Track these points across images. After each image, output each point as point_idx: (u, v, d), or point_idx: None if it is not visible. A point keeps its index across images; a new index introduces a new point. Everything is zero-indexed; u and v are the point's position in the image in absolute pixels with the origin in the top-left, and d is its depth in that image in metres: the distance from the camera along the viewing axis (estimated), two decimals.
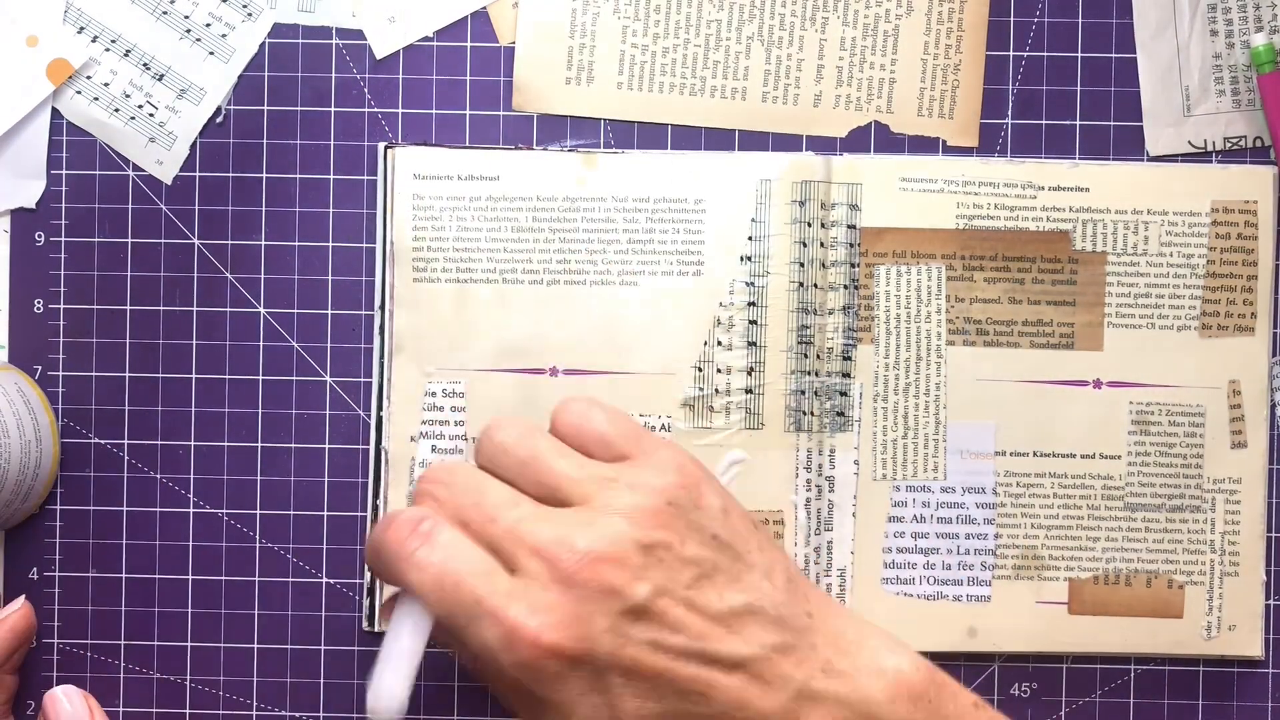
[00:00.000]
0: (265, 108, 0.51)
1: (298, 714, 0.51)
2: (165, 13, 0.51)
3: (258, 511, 0.51)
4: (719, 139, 0.51)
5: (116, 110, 0.51)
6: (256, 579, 0.51)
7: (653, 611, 0.36)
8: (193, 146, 0.51)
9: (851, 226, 0.49)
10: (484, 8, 0.51)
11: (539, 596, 0.36)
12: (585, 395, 0.42)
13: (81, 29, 0.50)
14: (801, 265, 0.49)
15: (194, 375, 0.51)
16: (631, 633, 0.36)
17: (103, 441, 0.51)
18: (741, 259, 0.49)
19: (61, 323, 0.51)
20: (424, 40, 0.51)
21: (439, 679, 0.51)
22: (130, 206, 0.51)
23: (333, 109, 0.51)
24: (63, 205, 0.51)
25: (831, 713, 0.37)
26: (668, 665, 0.36)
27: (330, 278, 0.51)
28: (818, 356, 0.49)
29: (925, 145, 0.51)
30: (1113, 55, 0.51)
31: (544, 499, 0.38)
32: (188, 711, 0.51)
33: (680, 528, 0.37)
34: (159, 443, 0.51)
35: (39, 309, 0.51)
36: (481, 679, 0.39)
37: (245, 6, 0.51)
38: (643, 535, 0.37)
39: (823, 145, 0.51)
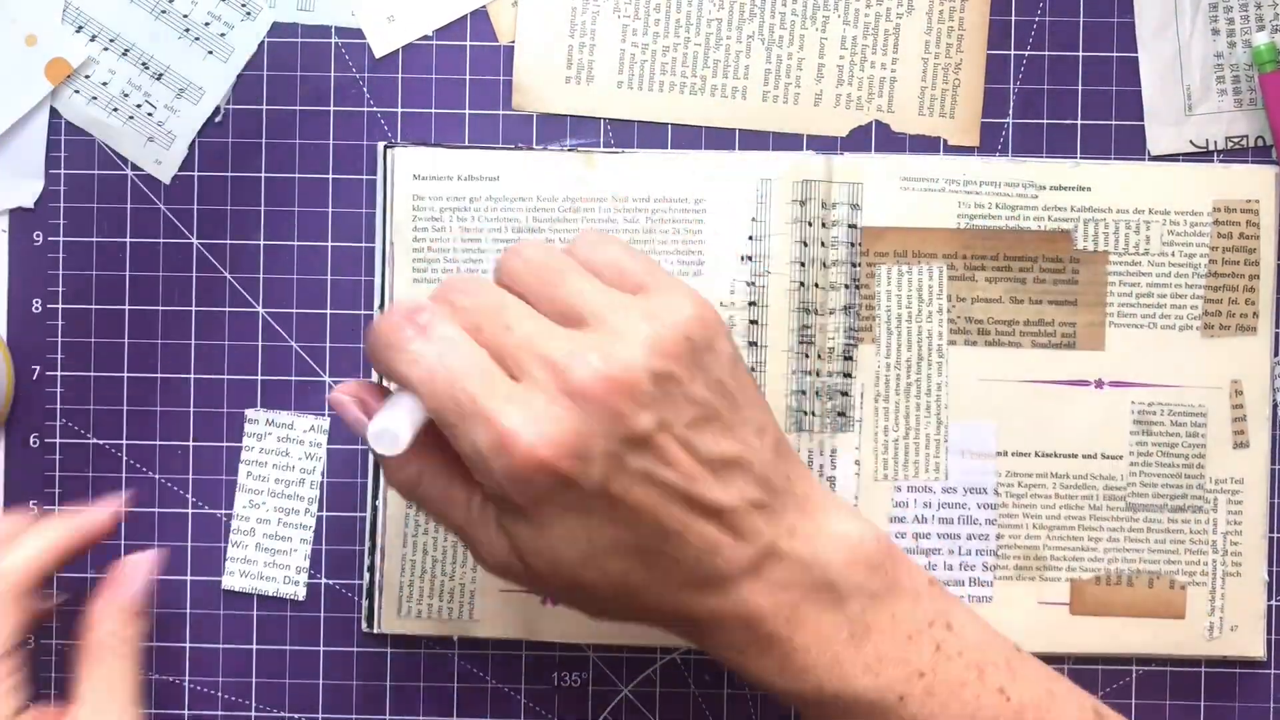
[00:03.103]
0: (264, 107, 0.51)
1: (297, 715, 0.51)
2: (164, 12, 0.50)
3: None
4: (719, 138, 0.51)
5: (115, 110, 0.51)
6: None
7: (652, 444, 0.36)
8: (191, 146, 0.51)
9: (852, 226, 0.49)
10: (484, 7, 0.51)
11: (541, 407, 0.35)
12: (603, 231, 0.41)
13: (80, 28, 0.50)
14: (802, 265, 0.49)
15: (193, 375, 0.51)
16: (627, 462, 0.35)
17: (102, 442, 0.51)
18: (742, 259, 0.49)
19: (60, 323, 0.51)
20: (423, 39, 0.51)
21: (439, 679, 0.51)
22: (129, 206, 0.51)
23: (332, 108, 0.51)
24: (61, 205, 0.51)
25: (791, 572, 0.37)
26: (654, 502, 0.36)
27: (330, 278, 0.51)
28: (819, 356, 0.49)
29: (926, 145, 0.51)
30: (1114, 54, 0.51)
31: (560, 321, 0.37)
32: (186, 712, 0.51)
33: (691, 365, 0.37)
34: (158, 443, 0.51)
35: (38, 309, 0.51)
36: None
37: (244, 5, 0.51)
38: (657, 365, 0.36)
39: (823, 145, 0.51)
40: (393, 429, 0.36)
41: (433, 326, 0.36)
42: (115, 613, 0.44)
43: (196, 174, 0.51)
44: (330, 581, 0.51)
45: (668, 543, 0.36)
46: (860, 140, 0.51)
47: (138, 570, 0.46)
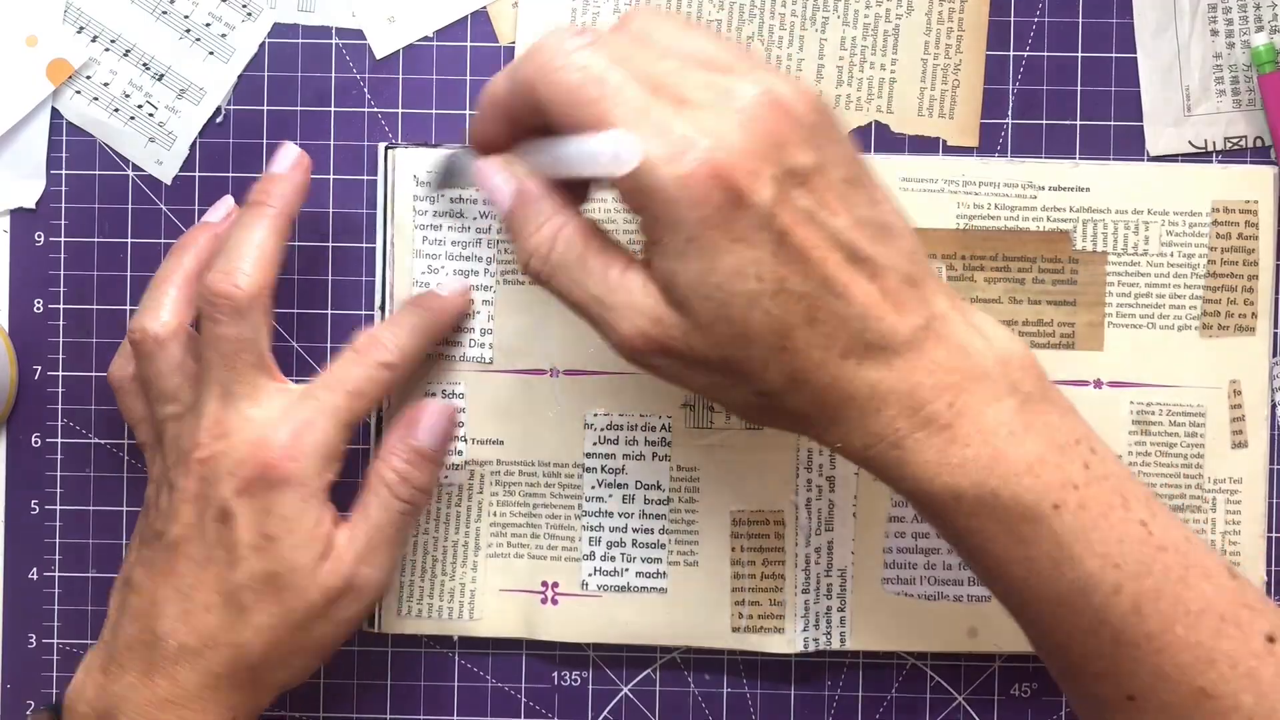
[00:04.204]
0: (265, 107, 0.51)
1: (297, 714, 0.51)
2: (165, 12, 0.51)
3: None
4: None
5: (116, 110, 0.51)
6: None
7: (812, 184, 0.35)
8: (192, 146, 0.51)
9: None
10: (484, 8, 0.51)
11: (711, 123, 0.34)
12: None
13: (81, 29, 0.50)
14: None
15: None
16: (793, 195, 0.35)
17: (103, 441, 0.51)
18: None
19: (61, 323, 0.51)
20: (424, 40, 0.51)
21: (439, 679, 0.51)
22: (130, 206, 0.51)
23: (332, 109, 0.51)
24: (62, 205, 0.51)
25: (951, 355, 0.36)
26: (819, 247, 0.35)
27: (330, 278, 0.51)
28: None
29: (925, 145, 0.51)
30: (1113, 55, 0.51)
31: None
32: None
33: (833, 125, 0.36)
34: None
35: (39, 309, 0.51)
36: (627, 201, 0.36)
37: (245, 6, 0.51)
38: (812, 107, 0.36)
39: None
40: (620, 150, 0.35)
41: (601, 42, 0.36)
42: (405, 451, 0.45)
43: (198, 174, 0.51)
44: None
45: (832, 296, 0.35)
46: (860, 141, 0.51)
47: (440, 417, 0.46)
